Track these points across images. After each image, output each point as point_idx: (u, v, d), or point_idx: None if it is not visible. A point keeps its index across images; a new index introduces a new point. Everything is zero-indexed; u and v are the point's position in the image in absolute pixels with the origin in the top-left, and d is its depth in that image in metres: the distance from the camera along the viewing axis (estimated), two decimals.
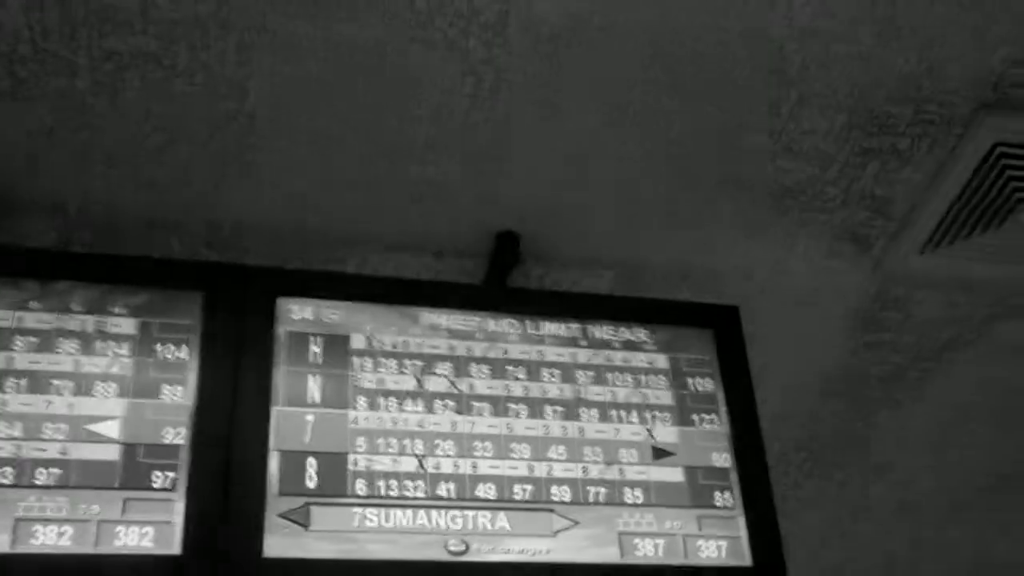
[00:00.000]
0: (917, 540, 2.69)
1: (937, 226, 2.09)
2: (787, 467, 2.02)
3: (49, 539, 1.53)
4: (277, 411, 1.72)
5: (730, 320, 2.04)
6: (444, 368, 1.86)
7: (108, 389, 1.68)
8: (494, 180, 1.95)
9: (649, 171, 1.96)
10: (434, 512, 1.70)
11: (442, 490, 1.72)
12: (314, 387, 1.77)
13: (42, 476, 1.58)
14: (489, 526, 1.71)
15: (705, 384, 1.96)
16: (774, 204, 2.05)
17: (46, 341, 1.70)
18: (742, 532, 1.81)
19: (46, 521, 1.54)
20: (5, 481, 1.56)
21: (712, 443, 1.90)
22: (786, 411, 2.22)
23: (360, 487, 1.69)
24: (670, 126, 1.87)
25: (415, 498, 1.71)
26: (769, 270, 2.19)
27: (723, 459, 1.88)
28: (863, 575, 2.70)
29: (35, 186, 1.87)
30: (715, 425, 1.92)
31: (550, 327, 1.95)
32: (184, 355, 1.74)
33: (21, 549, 1.52)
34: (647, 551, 1.75)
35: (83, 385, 1.67)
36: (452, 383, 1.84)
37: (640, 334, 1.98)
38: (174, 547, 1.57)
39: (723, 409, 1.93)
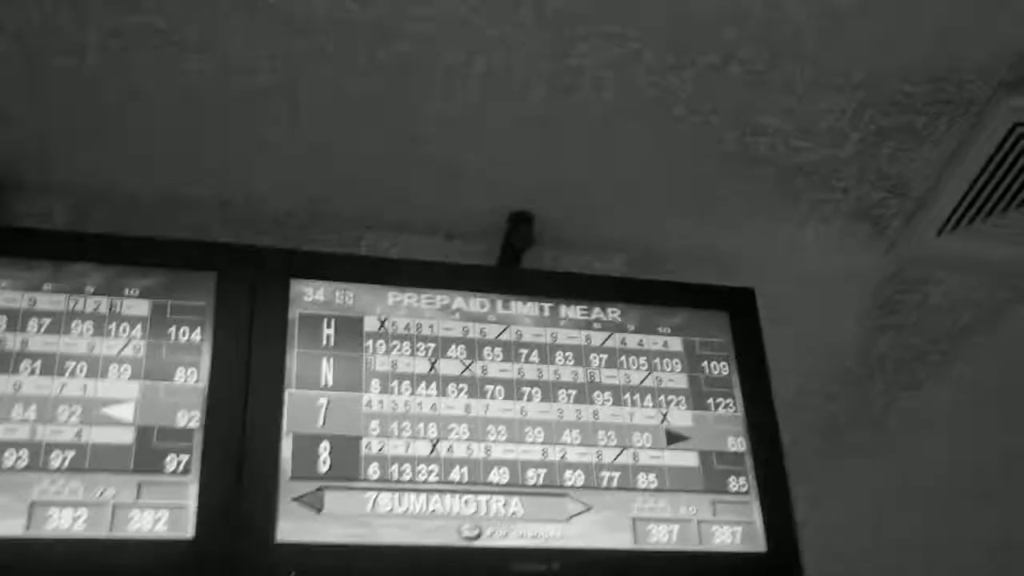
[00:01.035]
0: (937, 524, 2.68)
1: (955, 207, 2.07)
2: (803, 452, 2.01)
3: (64, 523, 1.54)
4: (290, 394, 1.72)
5: (745, 303, 2.03)
6: (458, 351, 1.85)
7: (122, 371, 1.68)
8: (507, 161, 1.93)
9: (662, 152, 1.94)
10: (447, 496, 1.70)
11: (455, 474, 1.72)
12: (327, 370, 1.77)
13: (57, 459, 1.58)
14: (502, 511, 1.71)
15: (720, 368, 1.95)
16: (787, 185, 2.03)
17: (60, 323, 1.70)
18: (757, 518, 1.81)
19: (61, 505, 1.55)
20: (20, 464, 1.57)
21: (727, 427, 1.89)
22: (802, 395, 2.21)
23: (373, 471, 1.69)
24: (682, 106, 1.84)
25: (428, 482, 1.70)
26: (783, 252, 2.17)
27: (738, 443, 1.88)
28: (882, 560, 2.70)
29: (46, 166, 1.86)
30: (730, 409, 1.91)
31: (564, 310, 1.94)
32: (197, 337, 1.73)
33: (36, 533, 1.52)
34: (661, 537, 1.75)
35: (97, 367, 1.67)
36: (466, 366, 1.84)
37: (654, 317, 1.97)
38: (188, 531, 1.57)
39: (738, 393, 1.92)
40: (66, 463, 1.58)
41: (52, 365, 1.66)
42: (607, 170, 1.98)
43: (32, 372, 1.65)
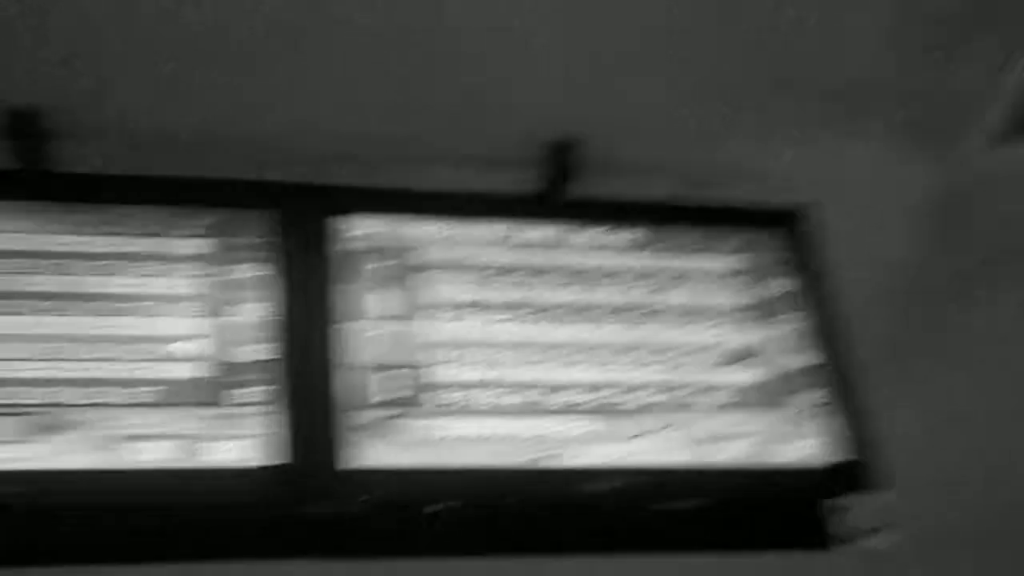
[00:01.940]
0: (1006, 437, 2.66)
1: (1006, 119, 2.04)
2: (865, 369, 2.00)
3: (146, 455, 1.57)
4: (348, 326, 1.74)
5: (802, 220, 2.03)
6: (509, 279, 1.85)
7: (186, 309, 1.70)
8: (548, 86, 1.91)
9: (706, 71, 1.91)
10: (509, 420, 1.72)
11: (516, 399, 1.74)
12: (381, 302, 1.78)
13: (133, 396, 1.61)
14: (565, 432, 1.72)
15: (779, 285, 1.95)
16: (836, 100, 2.00)
17: (122, 265, 1.72)
18: (825, 432, 1.81)
19: (141, 438, 1.58)
20: (100, 401, 1.60)
21: (791, 343, 1.89)
22: (861, 312, 2.19)
23: (434, 398, 1.71)
24: (726, 24, 1.82)
25: (489, 407, 1.72)
26: (834, 169, 2.14)
27: (803, 359, 1.88)
28: (950, 473, 2.69)
29: (99, 110, 1.86)
30: (793, 325, 1.91)
31: (613, 235, 1.94)
32: (255, 274, 1.75)
33: (120, 466, 1.56)
34: (727, 453, 1.76)
35: (162, 307, 1.70)
36: (518, 294, 1.84)
37: (708, 239, 1.97)
38: (259, 460, 1.60)
39: (800, 309, 1.93)
40: (142, 399, 1.61)
41: (120, 306, 1.68)
42: (651, 91, 1.95)
43: (101, 314, 1.67)
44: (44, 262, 1.69)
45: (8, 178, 1.80)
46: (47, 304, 1.66)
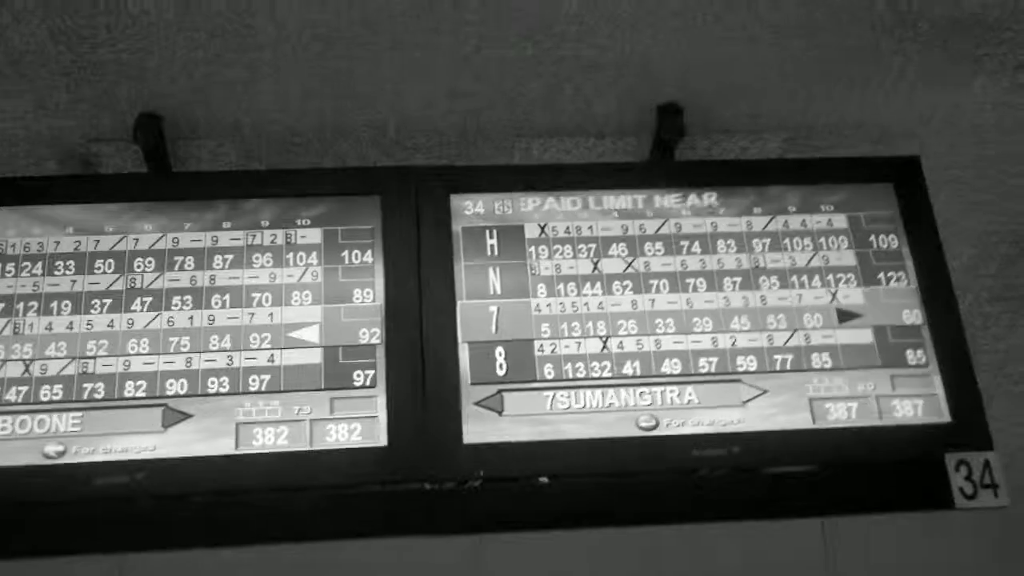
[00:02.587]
0: None
1: None
2: (983, 320, 1.94)
3: (268, 440, 1.67)
4: (462, 305, 1.79)
5: (911, 172, 1.96)
6: (619, 249, 1.87)
7: (304, 297, 1.78)
8: (649, 53, 1.91)
9: (809, 23, 1.87)
10: (623, 390, 1.74)
11: (628, 368, 1.76)
12: (495, 279, 1.83)
13: (255, 383, 1.70)
14: (677, 400, 1.74)
15: (889, 241, 1.91)
16: (947, 42, 1.93)
17: (242, 258, 1.81)
18: (938, 389, 1.78)
19: (263, 424, 1.67)
20: (223, 389, 1.70)
21: (901, 300, 1.85)
22: (978, 262, 2.12)
23: (548, 371, 1.75)
24: None
25: (602, 378, 1.75)
26: (948, 113, 2.07)
27: (913, 316, 1.84)
28: None
29: (210, 111, 1.95)
30: (903, 282, 1.87)
31: (722, 197, 1.93)
32: (369, 259, 1.82)
33: (244, 451, 1.66)
34: (840, 415, 1.75)
35: (281, 295, 1.78)
36: (628, 263, 1.86)
37: (816, 195, 1.94)
38: (381, 440, 1.67)
39: (910, 265, 1.88)
40: (263, 385, 1.70)
41: (240, 297, 1.78)
42: (752, 49, 1.92)
43: (223, 305, 1.77)
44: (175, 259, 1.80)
45: (138, 181, 1.91)
46: (175, 299, 1.77)
